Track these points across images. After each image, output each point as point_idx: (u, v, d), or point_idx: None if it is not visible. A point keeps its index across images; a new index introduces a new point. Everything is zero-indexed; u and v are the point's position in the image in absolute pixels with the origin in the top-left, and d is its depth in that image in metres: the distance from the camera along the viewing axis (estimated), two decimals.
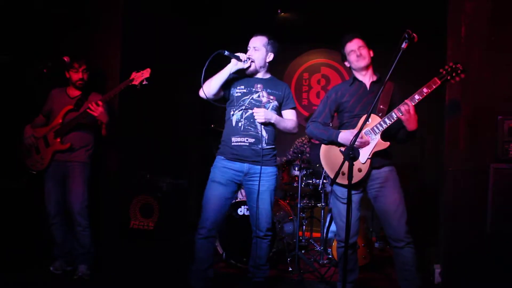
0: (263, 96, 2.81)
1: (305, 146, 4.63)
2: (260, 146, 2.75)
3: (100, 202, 3.48)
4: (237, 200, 3.74)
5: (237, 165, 2.76)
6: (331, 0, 4.57)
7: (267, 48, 2.82)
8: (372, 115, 2.52)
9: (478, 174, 2.85)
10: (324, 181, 4.02)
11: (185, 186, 4.80)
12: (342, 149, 2.64)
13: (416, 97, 2.42)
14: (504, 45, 2.89)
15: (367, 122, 2.48)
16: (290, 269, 3.60)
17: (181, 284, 2.97)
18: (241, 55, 2.75)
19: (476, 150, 2.91)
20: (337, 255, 3.05)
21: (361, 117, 2.58)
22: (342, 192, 2.60)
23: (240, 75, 2.85)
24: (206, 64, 2.56)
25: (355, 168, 2.53)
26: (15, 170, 3.45)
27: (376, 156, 2.55)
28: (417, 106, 2.43)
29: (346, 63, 2.74)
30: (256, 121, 2.74)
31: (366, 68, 2.65)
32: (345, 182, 2.25)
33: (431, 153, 5.39)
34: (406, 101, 2.43)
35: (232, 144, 2.76)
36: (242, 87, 2.82)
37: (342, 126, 2.73)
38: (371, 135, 2.54)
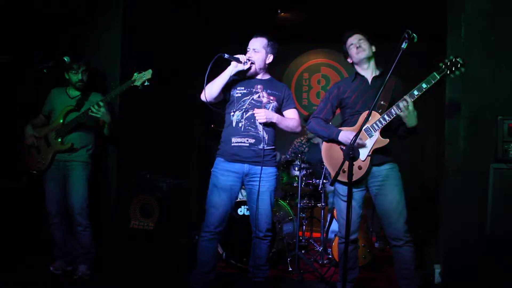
0: (263, 97, 2.81)
1: (304, 146, 4.64)
2: (260, 147, 2.75)
3: (100, 202, 3.48)
4: (237, 200, 3.74)
5: (237, 166, 2.76)
6: (331, 0, 4.58)
7: (266, 49, 2.83)
8: (372, 111, 2.50)
9: (478, 174, 2.84)
10: (324, 181, 4.02)
11: (185, 186, 4.79)
12: (343, 147, 2.64)
13: (415, 93, 2.40)
14: (504, 45, 2.89)
15: (368, 119, 2.48)
16: (290, 269, 3.60)
17: (181, 284, 2.97)
18: (241, 57, 2.75)
19: (476, 150, 2.90)
20: (338, 251, 3.06)
21: (361, 113, 2.59)
22: (343, 190, 2.60)
23: (240, 77, 2.86)
24: (208, 69, 2.57)
25: (355, 165, 2.53)
26: (15, 170, 3.45)
27: (376, 153, 2.54)
28: (417, 104, 2.42)
29: (349, 60, 2.74)
30: (258, 121, 2.75)
31: (367, 60, 2.64)
32: (346, 180, 2.25)
33: (431, 153, 5.39)
34: (404, 97, 2.41)
35: (232, 144, 2.77)
36: (242, 88, 2.82)
37: (344, 123, 2.73)
38: (370, 132, 2.53)
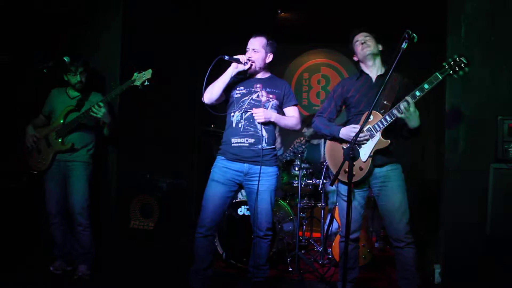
0: (262, 96, 2.81)
1: (303, 146, 4.64)
2: (260, 146, 2.75)
3: (100, 202, 3.47)
4: (237, 200, 3.74)
5: (237, 165, 2.76)
6: (331, 0, 4.58)
7: (266, 49, 2.83)
8: (374, 112, 2.49)
9: (478, 174, 2.84)
10: (324, 181, 4.02)
11: (185, 186, 4.80)
12: (344, 146, 2.63)
13: (417, 94, 2.37)
14: (504, 45, 2.89)
15: (369, 120, 2.48)
16: (290, 269, 3.60)
17: (181, 284, 2.96)
18: (241, 57, 2.75)
19: (476, 150, 2.90)
20: (339, 250, 3.06)
21: (364, 113, 2.57)
22: (345, 190, 2.60)
23: (240, 77, 2.86)
24: (208, 72, 2.58)
25: (357, 166, 2.52)
26: (15, 170, 3.45)
27: (378, 154, 2.53)
28: (417, 104, 2.41)
29: (355, 57, 2.74)
30: (256, 121, 2.75)
31: (371, 57, 2.62)
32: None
33: (431, 153, 5.39)
34: (406, 98, 2.38)
35: (232, 144, 2.77)
36: (242, 88, 2.83)
37: (348, 122, 2.70)
38: (372, 132, 2.51)
